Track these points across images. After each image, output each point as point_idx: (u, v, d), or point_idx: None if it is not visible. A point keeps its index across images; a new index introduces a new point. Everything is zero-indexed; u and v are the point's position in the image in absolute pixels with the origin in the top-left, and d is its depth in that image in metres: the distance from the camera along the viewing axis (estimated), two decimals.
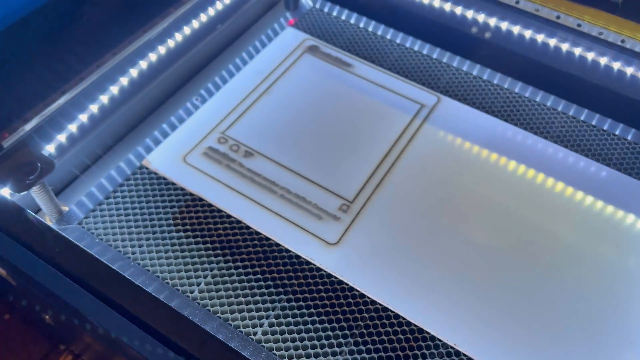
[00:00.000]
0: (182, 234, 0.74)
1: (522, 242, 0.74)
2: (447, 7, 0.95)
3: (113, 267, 0.59)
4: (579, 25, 0.86)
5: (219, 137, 0.83)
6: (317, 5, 1.06)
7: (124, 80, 0.83)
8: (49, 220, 0.74)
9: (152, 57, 0.87)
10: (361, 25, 1.02)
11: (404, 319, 0.67)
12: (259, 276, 0.70)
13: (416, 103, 0.90)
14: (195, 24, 0.93)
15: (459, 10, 0.95)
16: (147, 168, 0.80)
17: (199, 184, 0.78)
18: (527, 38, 0.91)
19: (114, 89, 0.81)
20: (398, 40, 1.00)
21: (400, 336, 0.66)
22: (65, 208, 0.76)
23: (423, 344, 0.66)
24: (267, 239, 0.74)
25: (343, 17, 1.04)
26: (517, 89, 0.92)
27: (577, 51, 0.87)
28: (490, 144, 0.85)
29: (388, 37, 1.00)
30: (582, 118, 0.89)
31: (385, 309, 0.68)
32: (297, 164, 0.81)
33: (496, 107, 0.90)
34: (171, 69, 0.90)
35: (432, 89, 0.92)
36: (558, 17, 0.87)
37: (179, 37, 0.90)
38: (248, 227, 0.75)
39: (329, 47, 0.98)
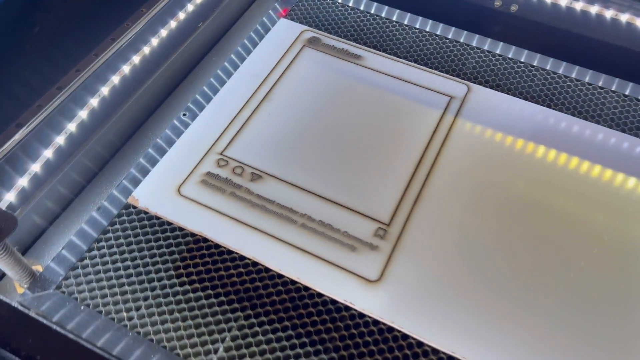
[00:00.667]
0: (187, 287, 0.60)
1: (607, 265, 0.62)
2: None
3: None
4: None
5: (218, 160, 0.69)
6: None
7: (93, 102, 0.68)
8: (18, 288, 0.59)
9: (125, 69, 0.72)
10: (364, 8, 0.88)
11: None
12: (290, 332, 0.57)
13: (444, 95, 0.76)
14: (172, 24, 0.78)
15: None
16: (135, 206, 0.65)
17: (200, 221, 0.64)
18: (564, 7, 0.78)
19: (83, 114, 0.66)
20: (407, 22, 0.86)
21: None
22: (38, 268, 0.61)
23: None
24: (293, 282, 0.60)
25: (342, 1, 0.89)
26: (561, 69, 0.80)
27: (627, 19, 0.75)
28: (538, 135, 0.72)
29: (397, 19, 0.87)
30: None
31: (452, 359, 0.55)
32: (316, 183, 0.67)
33: (535, 91, 0.78)
34: (150, 81, 0.75)
35: (459, 77, 0.79)
36: None
37: (155, 41, 0.76)
38: (267, 270, 0.61)
39: (332, 37, 0.84)
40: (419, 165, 0.69)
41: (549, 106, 0.76)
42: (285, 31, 0.85)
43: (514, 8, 0.82)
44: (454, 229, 0.64)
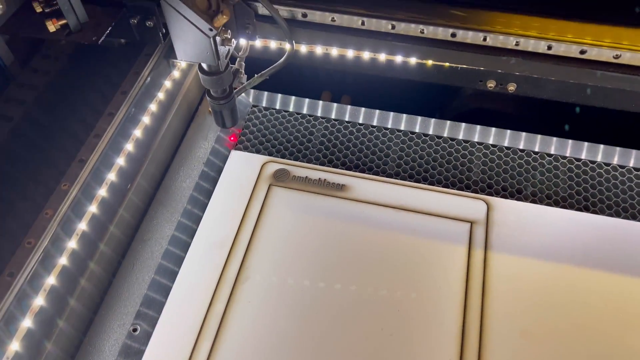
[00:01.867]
0: None
1: None
2: (447, 64, 0.67)
3: None
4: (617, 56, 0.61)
5: None
6: (262, 102, 0.73)
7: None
8: None
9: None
10: (325, 115, 0.71)
11: None
12: None
13: (463, 222, 0.60)
14: (92, 210, 0.57)
15: (464, 61, 0.67)
16: None
17: None
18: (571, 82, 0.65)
19: None
20: (384, 124, 0.70)
21: None
22: None
23: None
24: None
25: (304, 111, 0.72)
26: (583, 154, 0.66)
27: None
28: (587, 252, 0.58)
29: (371, 122, 0.70)
30: None
31: None
32: None
33: (564, 190, 0.63)
34: (78, 290, 0.54)
35: (470, 190, 0.64)
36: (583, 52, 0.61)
37: (71, 247, 0.55)
38: None
39: (302, 165, 0.66)
40: (464, 341, 0.52)
41: (586, 207, 0.62)
42: (242, 168, 0.66)
43: (511, 88, 0.67)
44: None
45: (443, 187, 0.64)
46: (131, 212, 0.62)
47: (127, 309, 0.56)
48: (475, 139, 0.68)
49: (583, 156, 0.66)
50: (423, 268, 0.57)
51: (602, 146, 0.66)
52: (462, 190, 0.64)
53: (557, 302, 0.55)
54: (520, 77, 0.67)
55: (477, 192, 0.63)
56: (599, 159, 0.66)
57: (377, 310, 0.54)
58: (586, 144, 0.66)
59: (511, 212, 0.61)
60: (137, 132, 0.63)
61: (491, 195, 0.63)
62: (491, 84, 0.69)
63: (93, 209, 0.56)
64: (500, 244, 0.59)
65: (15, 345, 0.48)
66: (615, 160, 0.65)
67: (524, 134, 0.68)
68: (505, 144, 0.67)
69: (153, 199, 0.65)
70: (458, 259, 0.58)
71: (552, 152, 0.66)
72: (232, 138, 0.70)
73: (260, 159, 0.66)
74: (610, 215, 0.61)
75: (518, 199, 0.63)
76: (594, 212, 0.61)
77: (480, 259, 0.57)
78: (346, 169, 0.66)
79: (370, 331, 0.53)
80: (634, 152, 0.66)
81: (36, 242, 0.51)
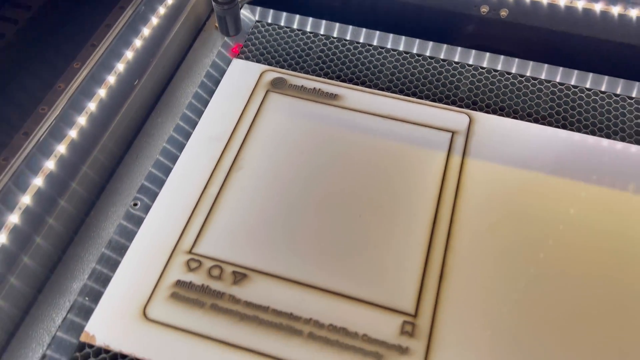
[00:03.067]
0: None
1: None
2: None
3: None
4: None
5: (187, 261, 0.55)
6: (267, 19, 0.77)
7: (12, 218, 0.52)
8: None
9: (49, 165, 0.56)
10: (326, 32, 0.75)
11: None
12: None
13: (445, 131, 0.64)
14: (102, 91, 0.62)
15: None
16: (90, 345, 0.50)
17: (180, 352, 0.50)
18: (563, 5, 0.67)
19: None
20: (378, 43, 0.73)
21: None
22: None
23: None
24: None
25: (307, 29, 0.76)
26: (572, 80, 0.69)
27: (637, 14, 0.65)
28: (564, 165, 0.61)
29: (366, 41, 0.74)
30: None
31: None
32: (317, 274, 0.54)
33: (544, 110, 0.67)
34: (86, 165, 0.60)
35: (456, 105, 0.67)
36: None
37: (82, 121, 0.60)
38: None
39: (299, 75, 0.70)
40: (434, 229, 0.57)
41: (564, 126, 0.65)
42: (241, 75, 0.70)
43: (504, 13, 0.70)
44: (496, 305, 0.52)
45: (429, 100, 0.68)
46: (135, 109, 0.67)
47: (130, 191, 0.61)
48: (467, 62, 0.71)
49: (570, 82, 0.69)
50: (404, 168, 0.61)
51: (590, 74, 0.69)
52: (447, 103, 0.67)
53: (525, 205, 0.59)
54: (512, 4, 0.70)
55: (462, 107, 0.67)
56: (587, 85, 0.68)
57: (356, 201, 0.59)
58: (575, 71, 0.69)
59: (492, 125, 0.65)
60: (137, 42, 0.67)
61: (475, 110, 0.67)
62: (484, 9, 0.72)
63: (92, 107, 0.61)
64: (478, 152, 0.63)
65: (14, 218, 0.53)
66: (602, 87, 0.68)
67: (516, 59, 0.71)
68: (496, 68, 0.70)
69: (159, 100, 0.69)
70: (437, 162, 0.62)
71: (541, 77, 0.69)
72: (234, 50, 0.74)
73: (260, 67, 0.71)
74: (586, 133, 0.64)
75: (500, 115, 0.66)
76: (571, 130, 0.65)
77: (458, 163, 0.62)
78: (341, 81, 0.70)
79: (348, 218, 0.57)
80: (621, 81, 0.68)
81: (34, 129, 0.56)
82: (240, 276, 0.54)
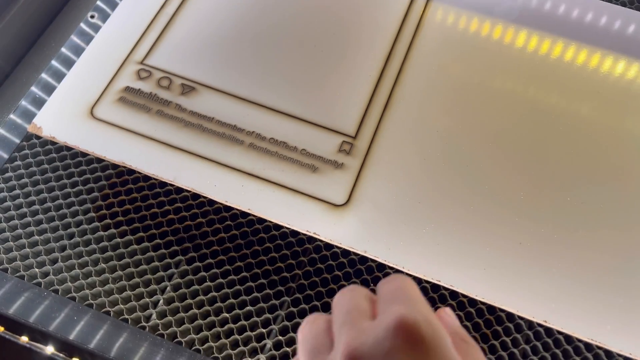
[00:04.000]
0: (113, 230, 0.49)
1: (602, 162, 0.53)
2: None
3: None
4: None
5: (138, 70, 0.55)
6: None
7: None
8: None
9: None
10: None
11: (468, 298, 0.47)
12: (245, 273, 0.47)
13: None
14: None
15: None
16: (37, 136, 0.52)
17: (122, 148, 0.51)
18: None
19: None
20: None
21: (468, 323, 0.46)
22: None
23: (500, 329, 0.46)
24: (244, 214, 0.50)
25: None
26: None
27: None
28: (525, 16, 0.61)
29: None
30: None
31: (436, 287, 0.47)
32: (264, 93, 0.55)
33: None
34: None
35: None
36: None
37: None
38: (211, 202, 0.50)
39: None
40: (387, 63, 0.57)
41: None
42: None
43: None
44: (432, 137, 0.54)
45: None
46: None
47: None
48: None
49: None
50: (366, 6, 0.60)
51: None
52: None
53: (481, 49, 0.59)
54: None
55: None
56: None
57: (313, 30, 0.58)
58: None
59: None
60: None
61: None
62: None
63: None
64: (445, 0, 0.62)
65: None
66: None
67: None
68: None
69: None
70: (398, 5, 0.61)
71: None
72: None
73: None
74: None
75: None
76: None
77: (418, 13, 0.61)
78: None
79: (302, 45, 0.57)
80: None
81: None
82: (188, 88, 0.55)
